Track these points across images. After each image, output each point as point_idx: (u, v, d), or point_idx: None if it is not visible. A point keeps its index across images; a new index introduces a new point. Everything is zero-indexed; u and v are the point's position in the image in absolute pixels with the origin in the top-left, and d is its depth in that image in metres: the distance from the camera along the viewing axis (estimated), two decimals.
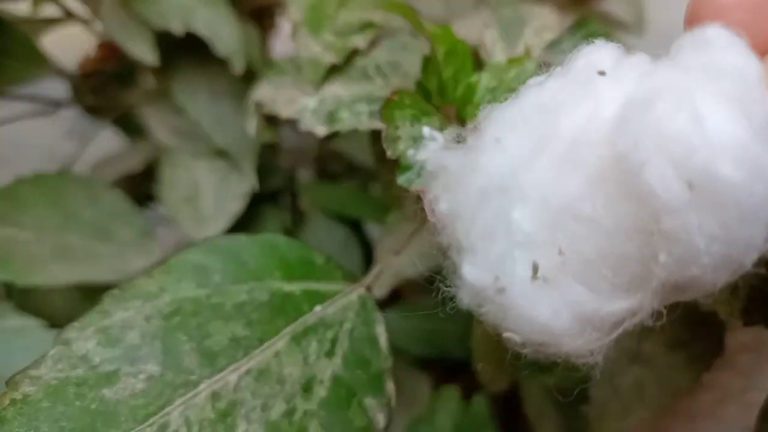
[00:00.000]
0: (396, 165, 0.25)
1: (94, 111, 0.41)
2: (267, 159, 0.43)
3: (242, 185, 0.37)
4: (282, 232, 0.42)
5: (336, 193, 0.46)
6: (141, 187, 0.40)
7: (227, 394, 0.19)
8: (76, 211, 0.33)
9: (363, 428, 0.20)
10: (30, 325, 0.28)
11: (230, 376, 0.19)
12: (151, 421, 0.18)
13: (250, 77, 0.37)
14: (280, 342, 0.21)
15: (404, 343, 0.44)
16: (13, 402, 0.18)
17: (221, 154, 0.37)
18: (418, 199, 0.20)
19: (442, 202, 0.19)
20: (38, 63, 0.35)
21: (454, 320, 0.47)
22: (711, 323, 0.29)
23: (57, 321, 0.26)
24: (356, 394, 0.21)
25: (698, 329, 0.29)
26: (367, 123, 0.26)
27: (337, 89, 0.27)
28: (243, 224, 0.41)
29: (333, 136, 0.38)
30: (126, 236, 0.33)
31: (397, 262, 0.30)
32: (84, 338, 0.19)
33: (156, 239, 0.34)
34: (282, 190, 0.47)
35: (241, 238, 0.22)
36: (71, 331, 0.19)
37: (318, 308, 0.22)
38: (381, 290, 0.31)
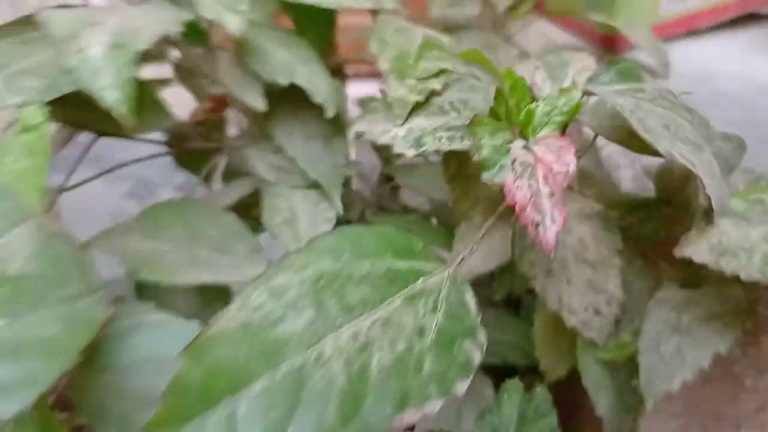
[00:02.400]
0: (467, 181, 0.32)
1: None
2: (345, 197, 0.51)
3: (330, 211, 0.44)
4: None
5: (401, 222, 0.52)
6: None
7: (363, 334, 0.26)
8: (201, 229, 0.40)
9: (464, 363, 0.26)
10: (168, 319, 0.34)
11: (364, 323, 0.26)
12: (312, 349, 0.25)
13: (336, 121, 0.45)
14: (396, 302, 0.27)
15: None
16: (216, 332, 0.24)
17: (313, 186, 0.45)
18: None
19: (518, 189, 0.26)
20: (162, 114, 0.43)
21: (512, 331, 0.52)
22: (739, 299, 0.34)
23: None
24: (457, 339, 0.27)
25: (728, 302, 0.34)
26: (447, 145, 0.33)
27: (421, 121, 0.34)
28: None
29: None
30: (240, 251, 0.40)
31: (472, 258, 0.37)
32: (257, 294, 0.26)
33: (262, 254, 0.41)
34: (351, 220, 0.54)
35: (361, 228, 0.29)
36: (247, 290, 0.26)
37: (421, 280, 0.29)
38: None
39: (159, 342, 0.33)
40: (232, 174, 0.51)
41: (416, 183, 0.53)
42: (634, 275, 0.37)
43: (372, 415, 0.24)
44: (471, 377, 0.26)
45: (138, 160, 0.47)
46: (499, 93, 0.31)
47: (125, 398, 0.31)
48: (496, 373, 0.49)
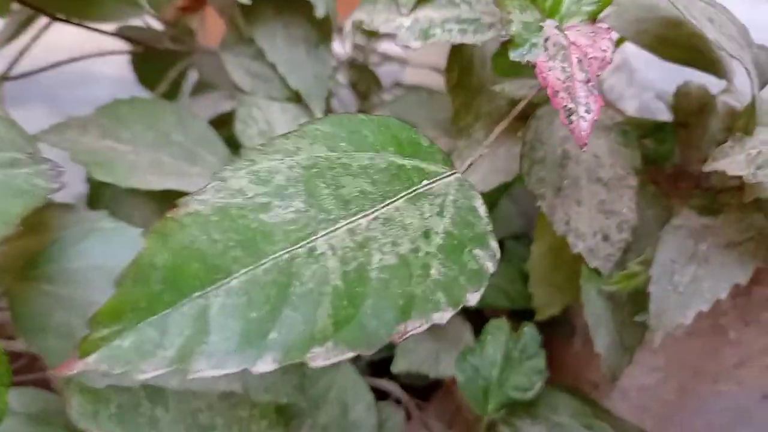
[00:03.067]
0: (468, 93, 0.28)
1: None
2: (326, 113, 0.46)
3: None
4: None
5: None
6: None
7: (361, 231, 0.22)
8: (167, 133, 0.35)
9: (476, 271, 0.23)
10: (123, 226, 0.30)
11: (362, 220, 0.22)
12: (301, 243, 0.21)
13: (322, 26, 0.40)
14: (399, 200, 0.24)
15: None
16: (188, 214, 0.20)
17: (292, 98, 0.40)
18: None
19: (551, 71, 0.22)
20: (132, 3, 0.38)
21: (496, 274, 0.49)
22: (761, 227, 0.32)
23: None
24: (467, 246, 0.23)
25: (750, 231, 0.32)
26: (458, 38, 0.29)
27: (429, 12, 0.30)
28: None
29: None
30: (210, 161, 0.36)
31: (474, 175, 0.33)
32: (238, 177, 0.22)
33: None
34: None
35: (360, 116, 0.25)
36: (225, 172, 0.22)
37: (425, 182, 0.25)
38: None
39: (110, 251, 0.29)
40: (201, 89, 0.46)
41: (399, 111, 0.49)
42: (646, 202, 0.34)
43: (371, 321, 0.20)
44: (484, 287, 0.22)
45: (96, 55, 0.41)
46: None
47: (67, 309, 0.27)
48: (477, 317, 0.46)
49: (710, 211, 0.34)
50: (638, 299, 0.36)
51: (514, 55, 0.24)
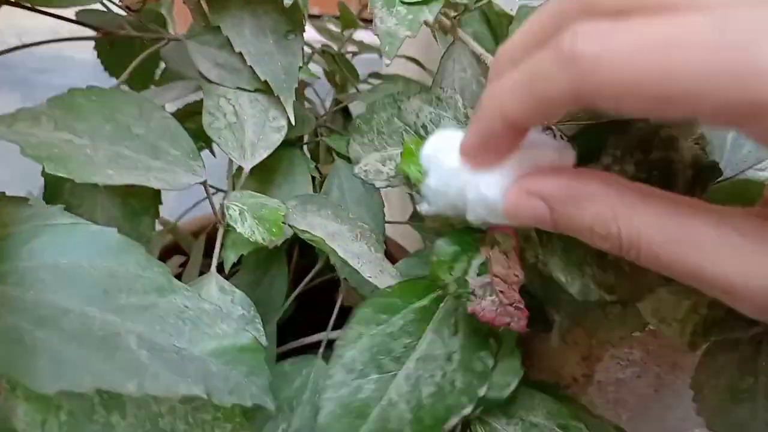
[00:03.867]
0: None
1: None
2: (297, 109, 0.45)
3: (280, 120, 0.39)
4: (309, 177, 0.44)
5: None
6: None
7: (411, 374, 0.32)
8: (127, 125, 0.34)
9: (482, 372, 0.34)
10: (80, 223, 0.28)
11: (411, 364, 0.32)
12: (383, 399, 0.32)
13: (292, 16, 0.39)
14: (428, 336, 0.33)
15: None
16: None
17: (261, 89, 0.39)
18: None
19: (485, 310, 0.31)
20: None
21: None
22: None
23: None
24: (475, 352, 0.34)
25: None
26: None
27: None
28: (275, 165, 0.43)
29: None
30: (174, 154, 0.34)
31: None
32: (337, 372, 0.33)
33: (202, 161, 0.35)
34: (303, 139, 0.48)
35: (383, 292, 0.34)
36: (329, 370, 0.33)
37: (441, 306, 0.34)
38: None
39: (65, 249, 0.27)
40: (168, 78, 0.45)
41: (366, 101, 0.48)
42: None
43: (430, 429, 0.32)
44: (489, 381, 0.34)
45: (56, 41, 0.39)
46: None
47: (17, 311, 0.25)
48: None
49: None
50: None
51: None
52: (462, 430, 0.40)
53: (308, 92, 0.62)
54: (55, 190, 0.35)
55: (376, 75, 0.65)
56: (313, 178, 0.44)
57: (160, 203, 0.37)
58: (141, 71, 0.45)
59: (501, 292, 0.31)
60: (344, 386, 0.32)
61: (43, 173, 0.34)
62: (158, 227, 0.59)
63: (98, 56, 0.49)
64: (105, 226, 0.28)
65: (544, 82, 0.20)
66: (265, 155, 0.37)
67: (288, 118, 0.38)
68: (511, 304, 0.31)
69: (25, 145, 0.29)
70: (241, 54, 0.38)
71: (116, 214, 0.36)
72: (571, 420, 0.41)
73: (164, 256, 0.62)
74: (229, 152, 0.37)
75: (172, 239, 0.61)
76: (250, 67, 0.38)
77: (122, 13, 0.43)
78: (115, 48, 0.47)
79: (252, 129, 0.37)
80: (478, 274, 0.32)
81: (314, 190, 0.44)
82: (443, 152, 0.28)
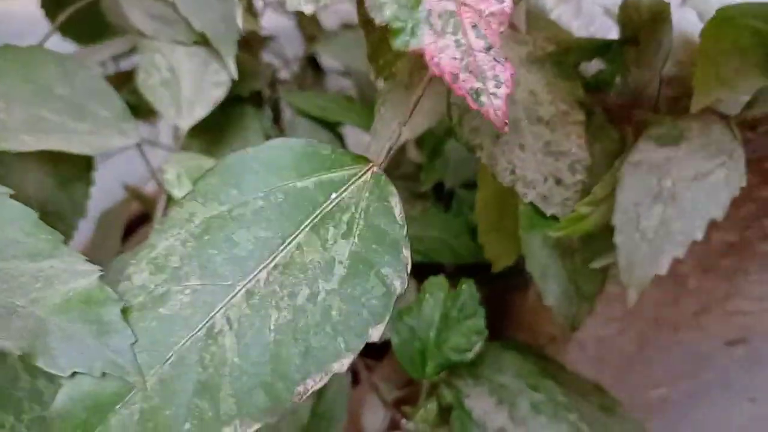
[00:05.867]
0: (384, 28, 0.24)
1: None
2: (248, 62, 0.42)
3: (222, 74, 0.36)
4: (263, 135, 0.41)
5: (318, 99, 0.45)
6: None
7: (259, 290, 0.21)
8: (49, 86, 0.31)
9: (382, 295, 0.22)
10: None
11: (260, 275, 0.22)
12: (199, 326, 0.21)
13: None
14: (300, 235, 0.22)
15: None
16: None
17: (200, 41, 0.36)
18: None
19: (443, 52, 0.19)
20: None
21: (439, 227, 0.47)
22: (731, 151, 0.28)
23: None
24: (374, 266, 0.22)
25: (719, 156, 0.28)
26: None
27: None
28: (226, 124, 0.40)
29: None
30: (103, 116, 0.32)
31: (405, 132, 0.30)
32: (140, 271, 0.22)
33: (135, 122, 0.33)
34: (263, 95, 0.46)
35: (247, 152, 0.23)
36: (131, 267, 0.22)
37: (333, 195, 0.23)
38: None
39: None
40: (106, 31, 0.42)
41: (336, 51, 0.45)
42: (594, 135, 0.31)
43: (268, 393, 0.21)
44: (389, 315, 0.22)
45: None
46: None
47: None
48: (420, 272, 0.43)
49: (671, 139, 0.30)
50: (594, 242, 0.32)
51: (397, 45, 0.20)
52: (429, 393, 0.39)
53: (276, 45, 0.59)
54: None
55: (348, 27, 0.62)
56: (271, 137, 0.42)
57: (94, 169, 0.35)
58: (84, 26, 0.43)
59: (472, 26, 0.20)
60: (142, 292, 0.21)
61: None
62: (124, 195, 0.57)
63: (44, 11, 0.46)
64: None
65: None
66: (203, 113, 0.35)
67: (230, 74, 0.36)
68: (486, 51, 0.20)
69: None
70: (174, 4, 0.35)
71: (47, 182, 0.34)
72: (542, 378, 0.39)
73: (135, 226, 0.60)
74: (164, 110, 0.34)
75: (141, 208, 0.59)
76: (185, 18, 0.35)
77: None
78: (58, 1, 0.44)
79: (189, 85, 0.35)
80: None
81: None
82: None
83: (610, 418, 0.39)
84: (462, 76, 0.20)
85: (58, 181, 0.34)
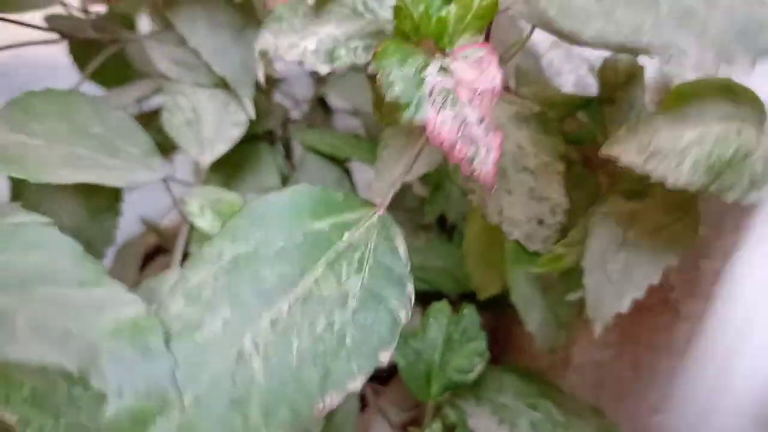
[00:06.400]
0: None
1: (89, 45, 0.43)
2: (262, 103, 0.46)
3: (240, 114, 0.39)
4: (276, 171, 0.44)
5: (327, 137, 0.48)
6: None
7: (282, 319, 0.24)
8: (84, 126, 0.34)
9: (390, 324, 0.24)
10: (34, 220, 0.29)
11: (283, 306, 0.24)
12: (230, 351, 0.23)
13: (247, 9, 0.39)
14: (317, 271, 0.25)
15: None
16: None
17: (220, 84, 0.39)
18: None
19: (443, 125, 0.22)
20: None
21: (443, 257, 0.49)
22: (687, 208, 0.32)
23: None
24: (382, 299, 0.25)
25: (676, 212, 0.31)
26: (364, 57, 0.28)
27: (331, 29, 0.29)
28: (242, 160, 0.43)
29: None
30: (132, 152, 0.35)
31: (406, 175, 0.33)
32: (175, 301, 0.24)
33: (161, 158, 0.36)
34: (275, 134, 0.49)
35: (270, 197, 0.26)
36: (167, 298, 0.24)
37: (346, 235, 0.26)
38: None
39: (8, 246, 0.28)
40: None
41: (344, 92, 0.48)
42: (574, 183, 0.34)
43: (292, 409, 0.23)
44: (395, 341, 0.24)
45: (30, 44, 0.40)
46: (398, 7, 0.26)
47: None
48: (425, 299, 0.46)
49: (637, 194, 0.33)
50: (569, 278, 0.35)
51: (404, 120, 0.23)
52: (435, 413, 0.41)
53: (286, 87, 0.62)
54: (20, 191, 0.36)
55: (355, 70, 0.66)
56: (286, 175, 0.45)
57: (122, 200, 0.38)
58: (110, 71, 0.46)
59: (469, 101, 0.23)
60: (179, 320, 0.24)
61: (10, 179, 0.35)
62: (142, 229, 0.60)
63: (73, 59, 0.50)
64: (48, 224, 0.29)
65: None
66: (223, 150, 0.38)
67: (247, 114, 0.39)
68: (479, 124, 0.23)
69: None
70: (196, 50, 0.38)
71: (80, 213, 0.36)
72: (541, 399, 0.41)
73: (151, 257, 0.63)
74: (187, 147, 0.37)
75: (157, 240, 0.62)
76: (206, 63, 0.38)
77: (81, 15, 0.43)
78: (85, 49, 0.47)
79: (210, 124, 0.38)
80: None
81: (284, 185, 0.45)
82: None
83: None
84: (459, 144, 0.23)
85: (90, 212, 0.36)
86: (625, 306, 0.31)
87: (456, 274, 0.46)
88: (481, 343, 0.38)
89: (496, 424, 0.39)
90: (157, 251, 0.62)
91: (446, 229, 0.52)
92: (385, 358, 0.24)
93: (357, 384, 0.23)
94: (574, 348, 0.48)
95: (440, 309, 0.39)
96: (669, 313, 0.47)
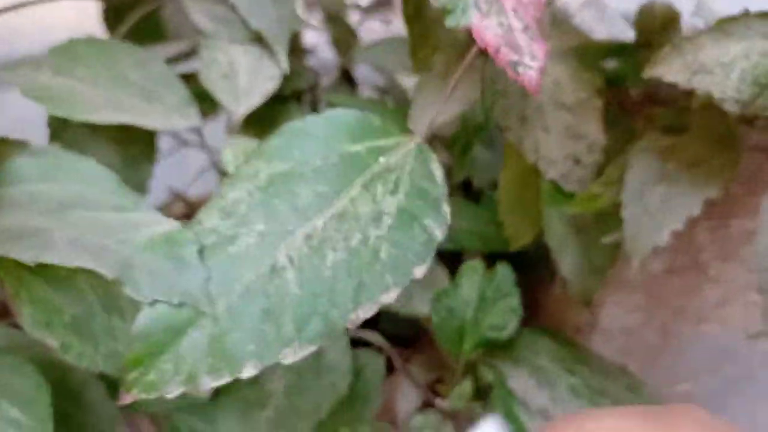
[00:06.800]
0: (426, 24, 0.28)
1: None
2: (294, 64, 0.46)
3: (274, 68, 0.40)
4: None
5: (356, 100, 0.48)
6: None
7: (317, 235, 0.25)
8: (124, 73, 0.35)
9: (424, 242, 0.25)
10: (66, 155, 0.29)
11: (317, 222, 0.25)
12: (265, 263, 0.24)
13: None
14: (353, 190, 0.26)
15: None
16: None
17: (255, 39, 0.40)
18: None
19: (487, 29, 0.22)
20: None
21: (471, 218, 0.49)
22: (727, 142, 0.32)
23: None
24: (417, 218, 0.25)
25: (716, 146, 0.31)
26: None
27: None
28: (272, 119, 0.44)
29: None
30: (170, 101, 0.36)
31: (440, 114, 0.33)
32: (210, 216, 0.25)
33: (196, 108, 0.37)
34: (304, 98, 0.49)
35: (307, 119, 0.27)
36: (201, 213, 0.25)
37: (382, 159, 0.26)
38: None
39: (48, 177, 0.28)
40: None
41: (372, 59, 0.49)
42: (610, 124, 0.34)
43: (325, 320, 0.23)
44: (431, 258, 0.25)
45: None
46: None
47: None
48: (453, 260, 0.46)
49: (676, 129, 0.33)
50: (605, 221, 0.35)
51: (449, 23, 0.24)
52: (465, 371, 0.41)
53: (311, 60, 0.63)
54: (58, 137, 0.36)
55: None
56: None
57: (156, 150, 0.39)
58: (141, 33, 0.46)
59: (513, 11, 0.23)
60: (213, 234, 0.24)
61: (48, 122, 0.35)
62: (170, 198, 0.61)
63: (104, 19, 0.50)
64: (86, 158, 0.29)
65: None
66: (258, 102, 0.38)
67: (281, 68, 0.39)
68: (524, 31, 0.23)
69: (27, 87, 0.31)
70: (233, 6, 0.39)
71: (115, 160, 0.37)
72: (576, 364, 0.41)
73: None
74: (223, 99, 0.38)
75: (184, 209, 0.62)
76: (243, 18, 0.39)
77: None
78: (118, 9, 0.48)
79: (245, 78, 0.38)
80: None
81: None
82: None
83: (637, 398, 0.41)
84: (503, 50, 0.23)
85: (124, 159, 0.37)
86: (663, 239, 0.31)
87: (482, 234, 0.46)
88: (514, 300, 0.38)
89: (534, 386, 0.39)
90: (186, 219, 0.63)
91: (472, 195, 0.52)
92: (419, 273, 0.25)
93: (391, 296, 0.24)
94: (602, 312, 0.47)
95: (473, 266, 0.39)
96: (698, 275, 0.46)
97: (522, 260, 0.45)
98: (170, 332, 0.23)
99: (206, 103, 0.39)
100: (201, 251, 0.24)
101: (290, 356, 0.23)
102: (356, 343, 0.43)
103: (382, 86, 0.61)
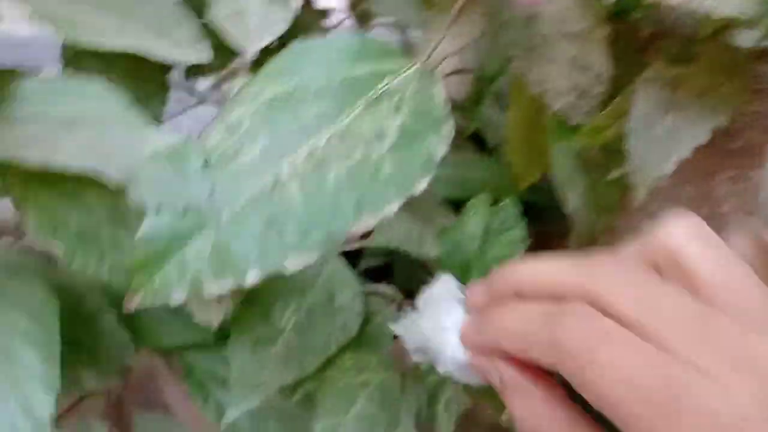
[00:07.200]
0: None
1: None
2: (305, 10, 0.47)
3: (284, 11, 0.40)
4: None
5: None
6: None
7: (319, 152, 0.25)
8: (133, 7, 0.36)
9: (426, 158, 0.25)
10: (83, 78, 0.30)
11: (321, 139, 0.25)
12: (268, 176, 0.25)
13: None
14: (356, 109, 0.26)
15: (433, 187, 0.46)
16: None
17: None
18: None
19: None
20: None
21: (477, 167, 0.49)
22: (734, 72, 0.31)
23: None
24: (419, 136, 0.26)
25: (723, 75, 0.31)
26: None
27: None
28: None
29: None
30: (180, 35, 0.36)
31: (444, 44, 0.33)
32: (215, 133, 0.25)
33: (207, 43, 0.37)
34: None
35: (310, 42, 0.27)
36: (206, 130, 0.26)
37: (385, 81, 0.27)
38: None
39: (57, 99, 0.29)
40: None
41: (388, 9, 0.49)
42: (617, 55, 0.34)
43: (327, 229, 0.24)
44: (432, 173, 0.25)
45: None
46: None
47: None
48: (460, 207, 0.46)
49: (683, 60, 0.33)
50: (612, 158, 0.35)
51: None
52: None
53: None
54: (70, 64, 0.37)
55: None
56: None
57: (168, 89, 0.39)
58: None
59: None
60: (218, 149, 0.25)
61: (60, 54, 0.36)
62: None
63: None
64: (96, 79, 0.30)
65: (534, 346, 0.20)
66: (268, 40, 0.39)
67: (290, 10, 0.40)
68: None
69: (39, 10, 0.32)
70: None
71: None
72: None
73: None
74: (234, 36, 0.38)
75: None
76: None
77: None
78: None
79: (256, 18, 0.39)
80: None
81: None
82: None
83: None
84: None
85: (138, 95, 0.38)
86: (669, 168, 0.31)
87: (493, 183, 0.46)
88: (520, 231, 0.38)
89: None
90: None
91: (482, 149, 0.52)
92: (421, 186, 0.25)
93: (392, 208, 0.24)
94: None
95: (479, 202, 0.39)
96: (717, 228, 0.45)
97: (538, 214, 0.45)
98: (175, 239, 0.24)
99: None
100: (206, 165, 0.25)
101: (294, 264, 0.23)
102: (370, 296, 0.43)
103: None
